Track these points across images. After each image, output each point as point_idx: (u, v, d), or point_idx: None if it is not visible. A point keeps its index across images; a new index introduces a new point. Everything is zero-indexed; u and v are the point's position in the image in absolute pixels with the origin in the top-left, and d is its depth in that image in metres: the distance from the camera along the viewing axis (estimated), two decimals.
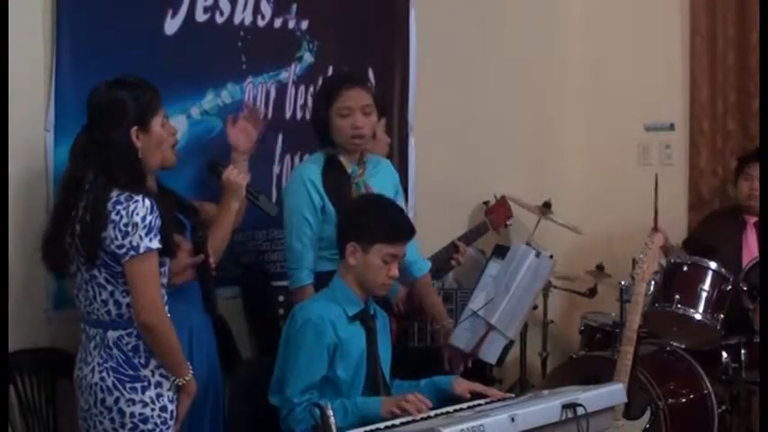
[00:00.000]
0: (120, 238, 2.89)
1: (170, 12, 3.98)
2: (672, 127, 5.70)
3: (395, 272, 3.38)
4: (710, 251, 4.68)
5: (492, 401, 3.27)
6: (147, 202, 2.93)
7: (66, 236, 2.98)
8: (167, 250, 3.03)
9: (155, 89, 3.11)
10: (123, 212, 2.90)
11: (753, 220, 5.00)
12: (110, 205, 2.91)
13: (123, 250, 2.90)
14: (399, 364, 3.88)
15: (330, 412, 2.90)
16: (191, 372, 3.09)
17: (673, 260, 4.64)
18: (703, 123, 5.54)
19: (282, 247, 4.27)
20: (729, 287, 4.54)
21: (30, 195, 3.61)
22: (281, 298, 4.07)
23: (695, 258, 4.64)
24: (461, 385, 3.39)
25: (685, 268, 4.61)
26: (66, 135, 3.66)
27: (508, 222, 5.15)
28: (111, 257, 2.93)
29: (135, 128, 2.98)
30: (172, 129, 3.38)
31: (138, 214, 2.89)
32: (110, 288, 2.97)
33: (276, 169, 4.39)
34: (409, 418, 3.10)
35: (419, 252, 4.03)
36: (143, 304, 2.92)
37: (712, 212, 5.39)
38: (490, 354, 4.37)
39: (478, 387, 3.41)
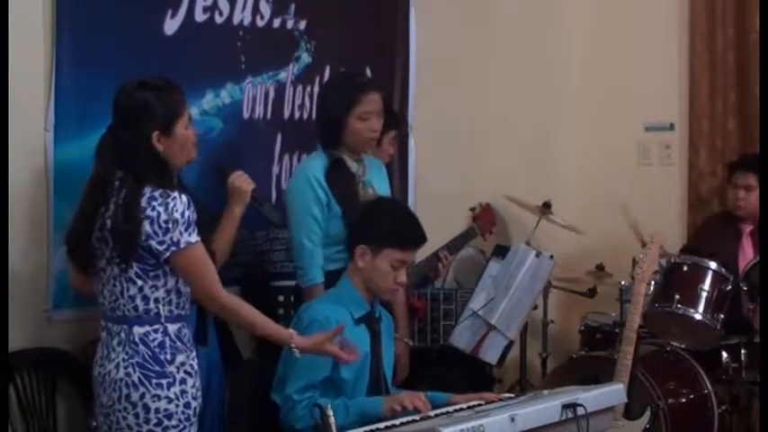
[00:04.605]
0: (160, 234, 2.90)
1: (170, 12, 3.99)
2: (672, 127, 5.69)
3: (402, 278, 3.37)
4: (708, 257, 4.65)
5: (492, 402, 3.27)
6: (184, 198, 2.95)
7: (95, 231, 2.98)
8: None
9: (180, 91, 3.10)
10: (160, 209, 2.91)
11: (748, 229, 4.98)
12: (144, 201, 2.91)
13: (164, 246, 2.91)
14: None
15: (330, 412, 2.89)
16: (293, 333, 3.08)
17: (673, 260, 4.64)
18: (703, 123, 5.53)
19: (283, 247, 4.26)
20: (729, 287, 4.54)
21: (30, 195, 3.62)
22: (280, 298, 4.07)
23: (695, 258, 4.63)
24: (457, 400, 3.35)
25: (685, 268, 4.61)
26: (67, 135, 3.68)
27: (492, 230, 5.08)
28: (146, 252, 2.93)
29: (156, 132, 2.98)
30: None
31: (177, 210, 2.91)
32: (140, 283, 2.96)
33: (275, 169, 4.39)
34: (409, 418, 3.10)
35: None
36: (202, 293, 2.97)
37: (708, 219, 5.36)
38: (490, 354, 4.38)
39: (473, 397, 3.37)
